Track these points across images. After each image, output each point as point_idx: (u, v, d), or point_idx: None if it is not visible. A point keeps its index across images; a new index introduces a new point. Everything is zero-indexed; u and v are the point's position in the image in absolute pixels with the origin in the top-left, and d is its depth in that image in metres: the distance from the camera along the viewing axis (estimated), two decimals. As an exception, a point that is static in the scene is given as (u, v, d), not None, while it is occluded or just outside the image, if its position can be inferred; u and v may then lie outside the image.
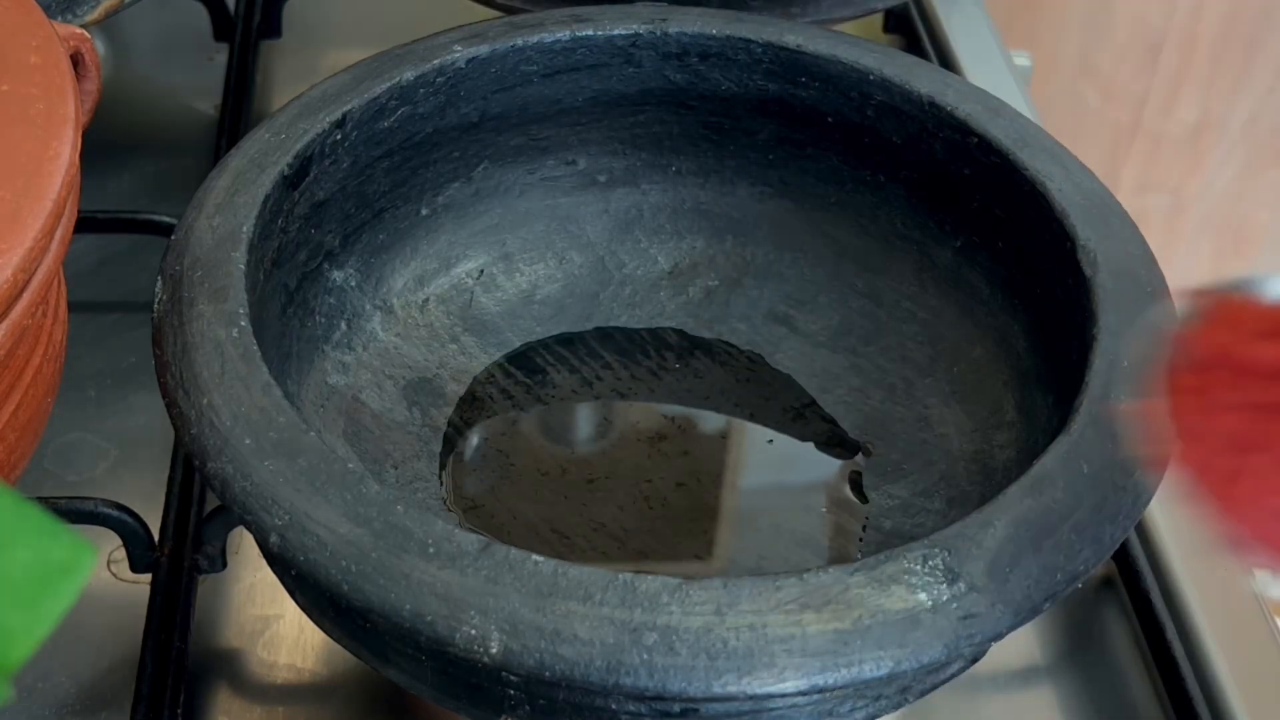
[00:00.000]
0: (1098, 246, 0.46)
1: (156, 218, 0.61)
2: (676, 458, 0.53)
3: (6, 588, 0.23)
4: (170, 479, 0.52)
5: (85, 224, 0.54)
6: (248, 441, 0.39)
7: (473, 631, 0.35)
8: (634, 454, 0.53)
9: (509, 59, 0.54)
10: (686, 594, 0.36)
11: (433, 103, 0.53)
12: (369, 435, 0.50)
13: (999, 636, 0.38)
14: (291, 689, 0.49)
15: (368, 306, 0.53)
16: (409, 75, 0.51)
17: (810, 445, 0.53)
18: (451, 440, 0.52)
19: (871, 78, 0.53)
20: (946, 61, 0.77)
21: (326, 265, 0.52)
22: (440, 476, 0.50)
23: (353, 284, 0.53)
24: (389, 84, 0.51)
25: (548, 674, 0.35)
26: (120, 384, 0.59)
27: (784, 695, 0.36)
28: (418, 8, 0.80)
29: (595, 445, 0.54)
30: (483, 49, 0.53)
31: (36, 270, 0.40)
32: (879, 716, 0.41)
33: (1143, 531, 0.54)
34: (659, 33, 0.55)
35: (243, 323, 0.42)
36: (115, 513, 0.49)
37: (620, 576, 0.36)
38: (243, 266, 0.44)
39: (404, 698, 0.48)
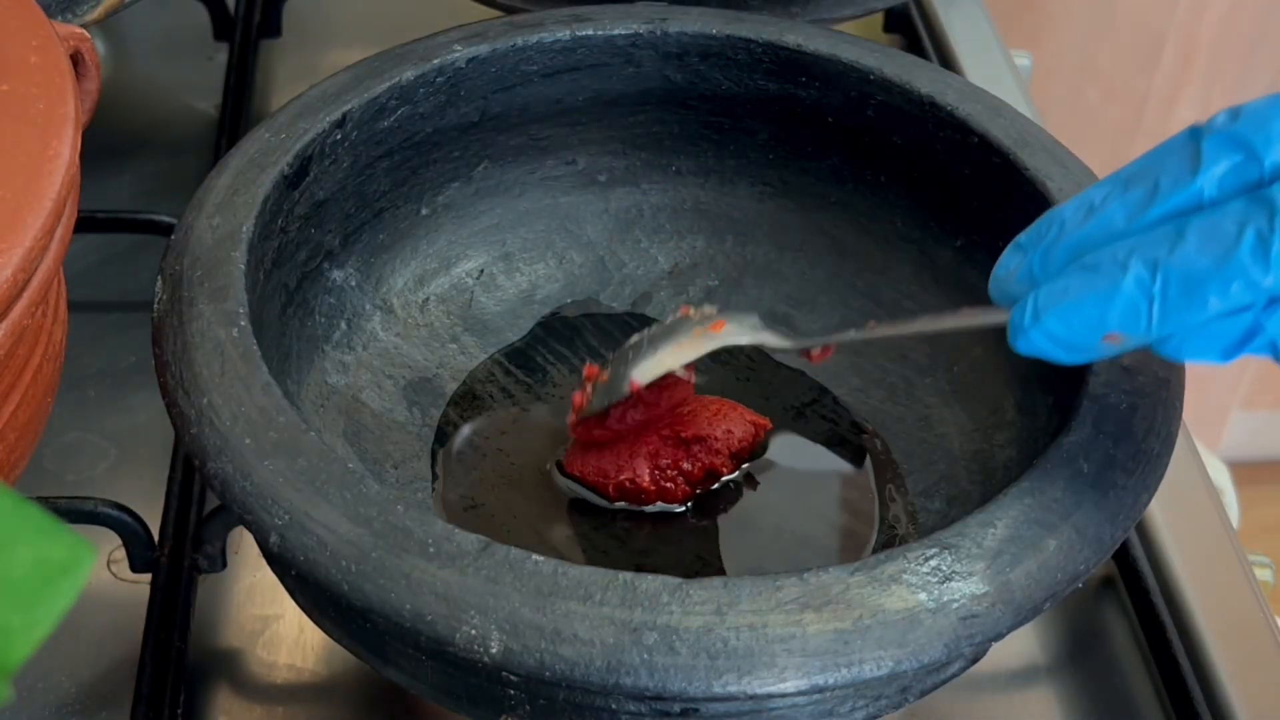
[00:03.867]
0: (1098, 246, 0.46)
1: (156, 218, 0.61)
2: (676, 457, 0.52)
3: (6, 588, 0.23)
4: (170, 479, 0.52)
5: (85, 224, 0.54)
6: (248, 441, 0.39)
7: (473, 631, 0.35)
8: (634, 454, 0.53)
9: (509, 59, 0.54)
10: (687, 594, 0.36)
11: (433, 102, 0.53)
12: (369, 435, 0.50)
13: (999, 636, 0.38)
14: (291, 689, 0.49)
15: (368, 306, 0.53)
16: (409, 75, 0.51)
17: (810, 445, 0.53)
18: (452, 440, 0.52)
19: (872, 78, 0.53)
20: (946, 61, 0.77)
21: (326, 265, 0.52)
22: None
23: (353, 284, 0.53)
24: (389, 84, 0.51)
25: (548, 674, 0.35)
26: (120, 384, 0.59)
27: (784, 695, 0.36)
28: (418, 8, 0.80)
29: (595, 445, 0.54)
30: (483, 49, 0.53)
31: (36, 270, 0.40)
32: (879, 716, 0.41)
33: (1143, 531, 0.54)
34: (659, 32, 0.55)
35: (243, 322, 0.42)
36: (115, 513, 0.49)
37: (620, 576, 0.36)
38: (243, 266, 0.44)
39: (404, 698, 0.48)
